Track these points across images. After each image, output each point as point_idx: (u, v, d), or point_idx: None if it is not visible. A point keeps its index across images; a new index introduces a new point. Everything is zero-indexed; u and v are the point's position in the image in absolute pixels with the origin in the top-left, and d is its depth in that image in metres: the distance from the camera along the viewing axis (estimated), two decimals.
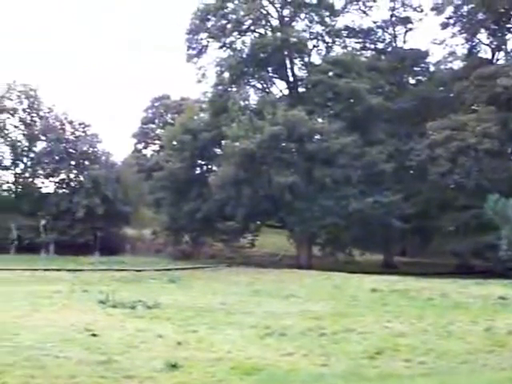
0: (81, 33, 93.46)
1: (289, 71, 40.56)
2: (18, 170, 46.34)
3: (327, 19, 40.68)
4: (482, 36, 43.93)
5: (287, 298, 19.38)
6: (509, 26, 42.68)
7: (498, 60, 43.04)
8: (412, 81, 46.34)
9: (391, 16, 44.55)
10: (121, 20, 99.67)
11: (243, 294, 20.70)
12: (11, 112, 45.93)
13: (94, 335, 11.18)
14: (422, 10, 44.55)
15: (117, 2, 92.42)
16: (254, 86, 41.68)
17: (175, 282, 24.89)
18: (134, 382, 7.89)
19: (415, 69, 45.16)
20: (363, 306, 17.02)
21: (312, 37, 41.29)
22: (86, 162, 44.63)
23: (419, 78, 45.67)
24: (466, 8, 42.89)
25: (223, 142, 37.39)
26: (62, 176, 45.09)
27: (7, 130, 45.98)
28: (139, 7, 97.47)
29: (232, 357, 9.83)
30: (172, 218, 40.05)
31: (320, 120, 38.01)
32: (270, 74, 41.53)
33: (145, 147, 59.86)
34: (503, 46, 43.17)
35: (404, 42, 45.60)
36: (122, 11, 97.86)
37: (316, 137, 36.87)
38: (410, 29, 45.27)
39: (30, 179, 46.58)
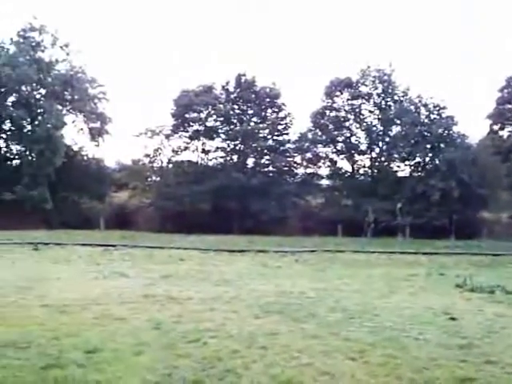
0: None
1: None
2: (373, 155, 48.11)
3: None
4: None
5: None
6: None
7: None
8: None
9: None
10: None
11: None
12: (366, 97, 47.99)
13: (452, 319, 11.01)
14: None
15: None
16: None
17: None
18: (495, 368, 7.55)
19: None
20: None
21: None
22: (442, 145, 44.45)
23: None
24: None
25: None
26: (417, 159, 45.68)
27: (363, 115, 48.15)
28: None
29: None
30: None
31: None
32: None
33: (501, 128, 57.35)
34: None
35: None
36: None
37: None
38: None
39: (386, 163, 48.01)
